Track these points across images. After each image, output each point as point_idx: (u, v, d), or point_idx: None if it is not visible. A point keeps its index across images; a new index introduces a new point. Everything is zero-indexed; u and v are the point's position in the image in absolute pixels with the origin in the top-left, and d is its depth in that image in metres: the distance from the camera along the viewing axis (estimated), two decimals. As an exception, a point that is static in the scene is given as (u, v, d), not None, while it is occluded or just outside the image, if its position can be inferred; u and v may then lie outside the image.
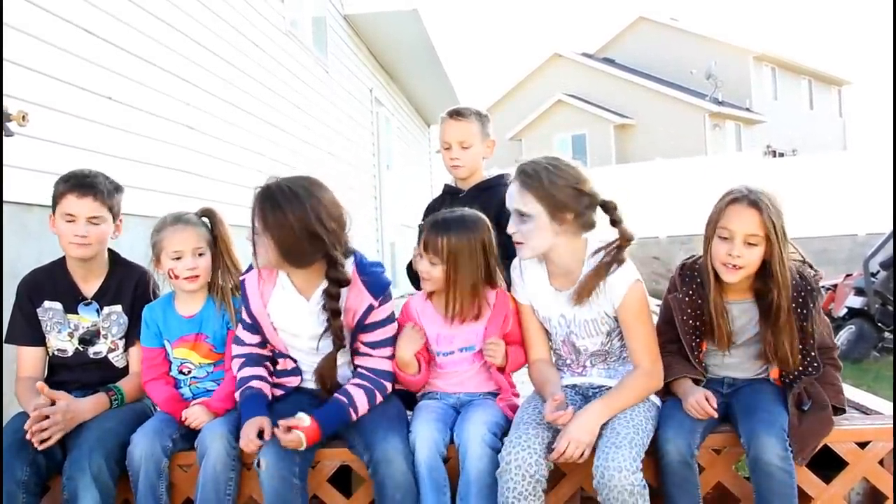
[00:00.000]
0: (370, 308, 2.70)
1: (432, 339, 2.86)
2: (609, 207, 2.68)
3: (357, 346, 2.77)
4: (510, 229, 2.70)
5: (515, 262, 2.87)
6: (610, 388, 2.73)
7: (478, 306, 2.79)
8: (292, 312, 2.76)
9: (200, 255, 2.91)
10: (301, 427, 2.52)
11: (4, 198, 3.63)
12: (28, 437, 2.65)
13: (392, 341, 2.79)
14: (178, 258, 2.88)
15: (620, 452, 2.42)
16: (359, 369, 2.77)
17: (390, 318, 2.79)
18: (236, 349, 2.85)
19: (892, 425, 2.75)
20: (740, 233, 2.60)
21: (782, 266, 2.61)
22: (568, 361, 2.86)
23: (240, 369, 2.81)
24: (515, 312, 2.87)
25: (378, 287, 2.72)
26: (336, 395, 2.70)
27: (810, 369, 2.69)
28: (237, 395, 2.76)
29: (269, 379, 2.83)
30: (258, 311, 2.77)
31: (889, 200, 11.82)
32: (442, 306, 2.83)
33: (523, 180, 2.65)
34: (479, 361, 2.87)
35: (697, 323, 2.79)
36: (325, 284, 2.66)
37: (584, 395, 2.82)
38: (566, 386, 2.82)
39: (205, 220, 3.01)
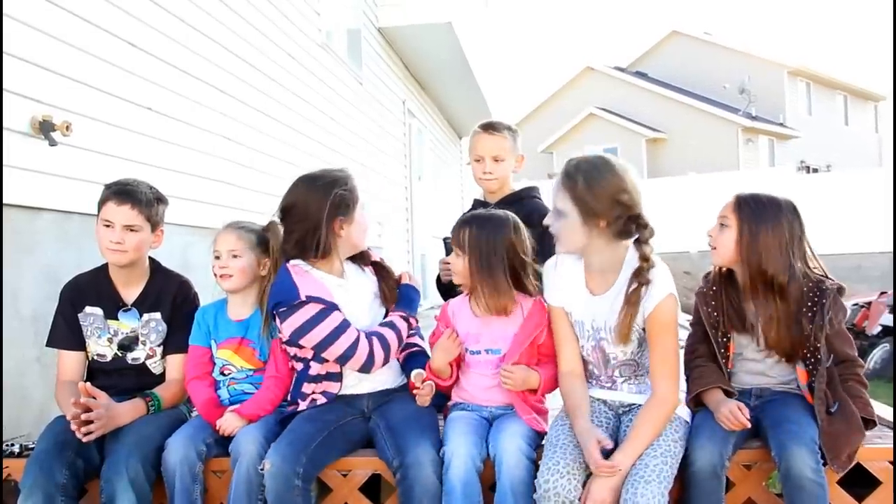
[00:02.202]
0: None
1: (462, 337, 2.90)
2: (640, 224, 2.66)
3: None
4: (547, 221, 2.77)
5: (552, 260, 2.88)
6: (641, 406, 2.71)
7: (504, 303, 2.81)
8: (338, 295, 2.85)
9: (234, 256, 3.00)
10: (426, 378, 2.82)
11: (46, 206, 3.73)
12: (73, 427, 2.70)
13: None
14: (217, 257, 3.01)
15: (650, 488, 2.41)
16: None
17: None
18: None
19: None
20: (718, 217, 2.84)
21: (752, 253, 2.72)
22: (596, 372, 2.85)
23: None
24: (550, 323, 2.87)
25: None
26: (409, 350, 3.04)
27: (815, 361, 2.70)
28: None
29: None
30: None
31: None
32: (473, 299, 2.91)
33: (563, 179, 2.68)
34: None
35: (722, 318, 2.84)
36: (347, 261, 2.98)
37: (616, 413, 2.82)
38: (597, 399, 2.82)
39: (267, 234, 3.06)
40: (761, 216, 2.74)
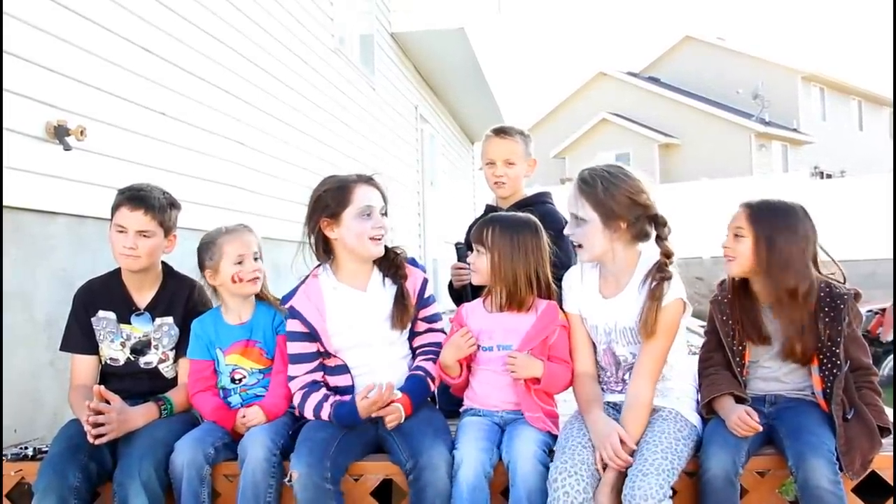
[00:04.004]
0: (426, 281, 3.01)
1: (475, 334, 2.91)
2: (658, 222, 2.75)
3: (417, 327, 3.00)
4: (567, 231, 2.82)
5: (576, 270, 2.93)
6: None
7: (520, 298, 2.85)
8: (353, 309, 2.90)
9: (256, 259, 3.04)
10: (397, 399, 2.75)
11: (61, 210, 3.74)
12: (85, 428, 2.71)
13: (440, 317, 3.05)
14: (241, 262, 2.99)
15: (647, 480, 2.43)
16: (423, 348, 3.01)
17: (433, 296, 3.07)
18: (294, 384, 2.92)
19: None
20: (731, 227, 2.79)
21: (771, 263, 2.70)
22: (609, 374, 2.87)
23: (305, 398, 2.87)
24: (564, 328, 2.89)
25: (419, 265, 3.06)
26: (412, 371, 2.93)
27: (832, 367, 2.69)
28: (326, 414, 2.81)
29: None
30: (318, 324, 2.86)
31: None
32: (488, 299, 2.94)
33: (581, 187, 2.74)
34: None
35: (737, 327, 2.83)
36: (376, 273, 2.95)
37: (623, 414, 2.83)
38: (607, 403, 2.83)
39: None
40: (777, 224, 2.72)
